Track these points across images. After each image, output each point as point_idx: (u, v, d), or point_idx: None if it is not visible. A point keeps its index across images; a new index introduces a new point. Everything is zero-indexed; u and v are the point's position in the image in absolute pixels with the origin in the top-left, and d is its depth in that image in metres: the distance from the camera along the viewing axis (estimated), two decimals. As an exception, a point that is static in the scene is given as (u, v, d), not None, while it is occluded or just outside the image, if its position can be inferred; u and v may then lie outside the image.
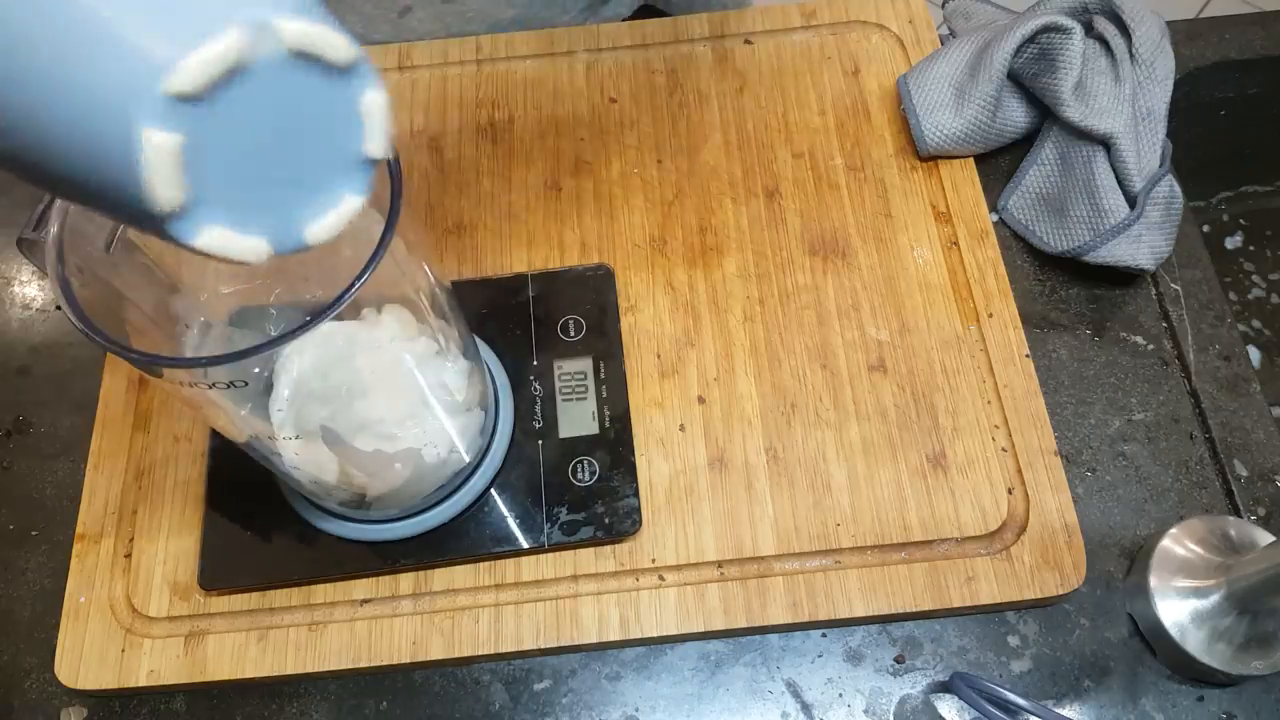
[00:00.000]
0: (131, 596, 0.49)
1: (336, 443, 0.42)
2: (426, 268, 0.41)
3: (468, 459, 0.49)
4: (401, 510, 0.48)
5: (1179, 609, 0.46)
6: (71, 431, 0.54)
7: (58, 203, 0.34)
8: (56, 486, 0.53)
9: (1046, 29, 0.55)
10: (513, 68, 0.63)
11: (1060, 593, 0.47)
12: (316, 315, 0.32)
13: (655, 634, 0.47)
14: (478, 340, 0.53)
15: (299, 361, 0.41)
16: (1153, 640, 0.47)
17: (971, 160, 0.59)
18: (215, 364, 0.34)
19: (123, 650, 0.47)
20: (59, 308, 0.59)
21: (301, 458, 0.43)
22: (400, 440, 0.44)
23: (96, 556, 0.50)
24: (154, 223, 0.24)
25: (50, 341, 0.58)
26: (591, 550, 0.49)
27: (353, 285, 0.33)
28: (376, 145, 0.28)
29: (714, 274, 0.56)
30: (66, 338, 0.58)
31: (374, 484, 0.46)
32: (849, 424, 0.51)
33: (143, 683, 0.47)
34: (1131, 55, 0.55)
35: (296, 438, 0.41)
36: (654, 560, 0.48)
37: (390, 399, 0.43)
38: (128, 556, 0.50)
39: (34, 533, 0.52)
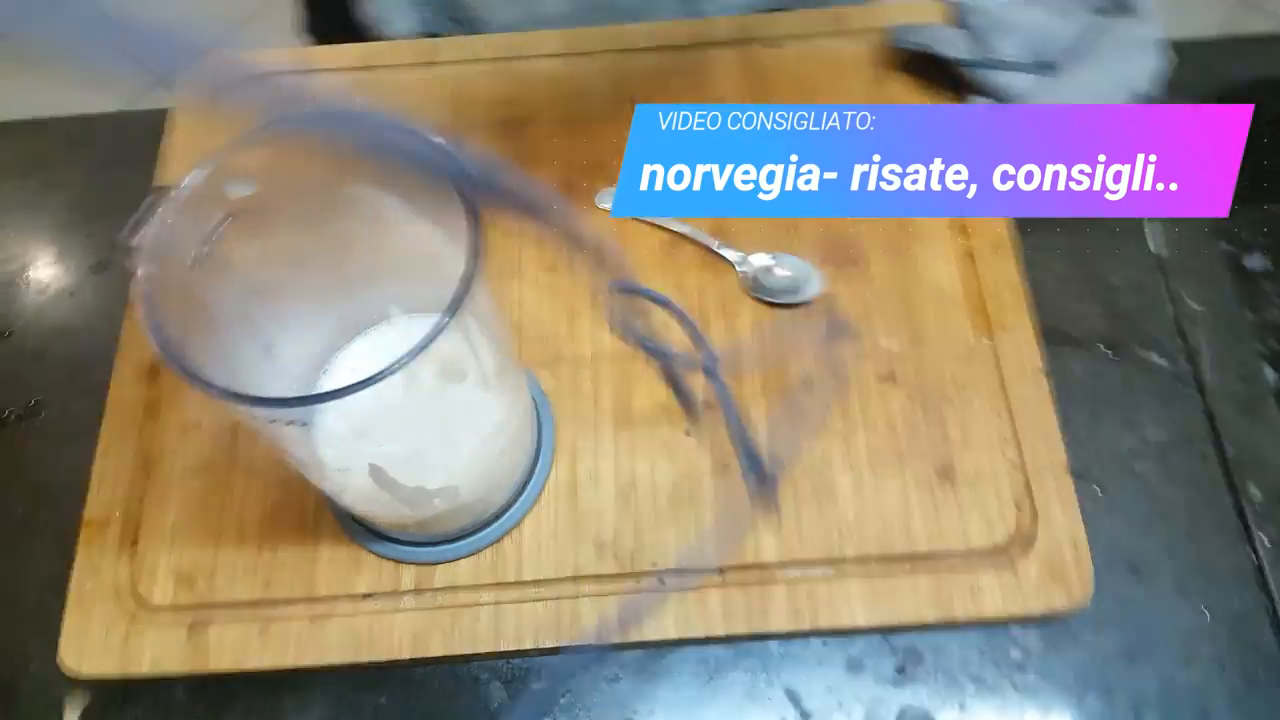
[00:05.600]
0: (137, 584, 0.49)
1: (382, 479, 0.42)
2: (483, 288, 0.38)
3: (507, 496, 0.49)
4: (441, 536, 0.49)
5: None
6: (83, 416, 0.54)
7: (154, 214, 0.35)
8: (66, 471, 0.53)
9: None
10: (536, 66, 0.63)
11: (1066, 608, 0.46)
12: (388, 369, 0.32)
13: (655, 637, 0.47)
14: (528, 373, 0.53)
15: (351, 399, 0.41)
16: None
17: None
18: (284, 406, 0.33)
19: (126, 637, 0.48)
20: (72, 295, 0.60)
21: (347, 487, 0.43)
22: (439, 476, 0.44)
23: (103, 543, 0.50)
24: None
25: (67, 326, 0.58)
26: (593, 551, 0.48)
27: (424, 343, 0.33)
28: None
29: (724, 279, 0.55)
30: (83, 322, 0.59)
31: (414, 515, 0.46)
32: (856, 433, 0.51)
33: (145, 670, 0.47)
34: None
35: (345, 470, 0.41)
36: (655, 564, 0.48)
37: (431, 433, 0.43)
38: (134, 544, 0.50)
39: (42, 517, 0.52)
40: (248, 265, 0.40)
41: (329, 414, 0.41)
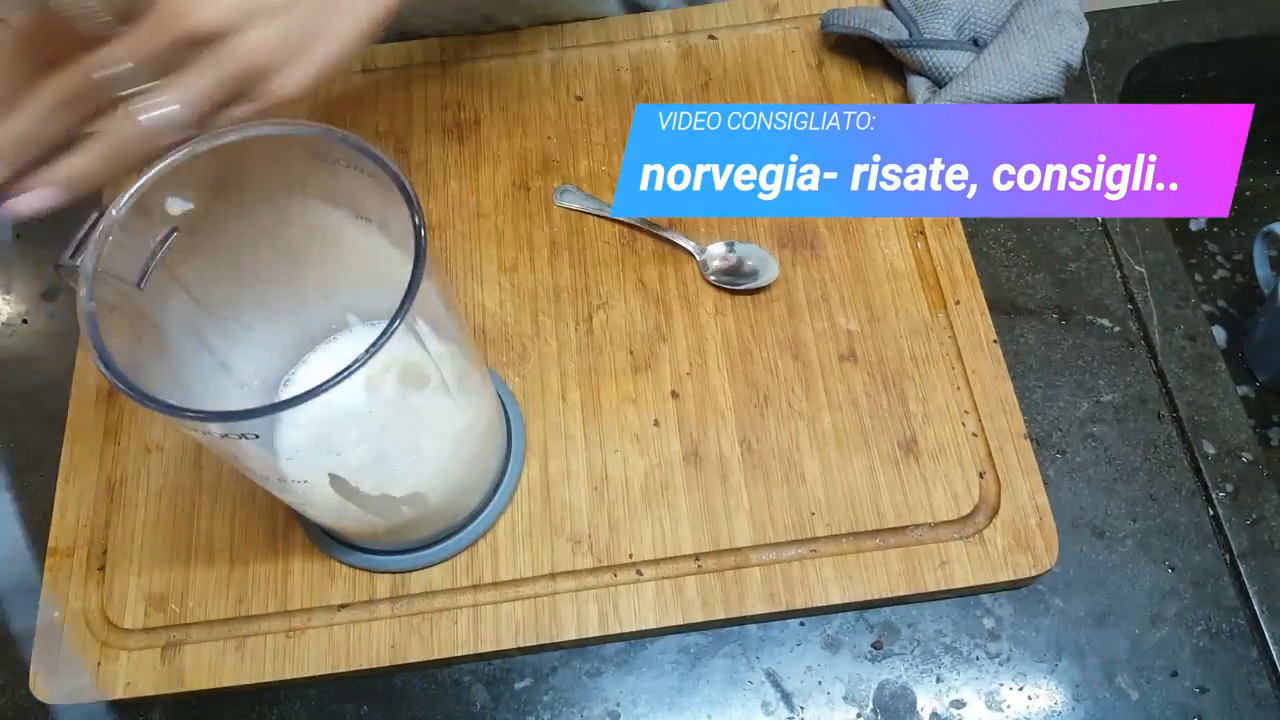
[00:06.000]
0: (106, 609, 0.48)
1: (344, 489, 0.41)
2: (436, 292, 0.38)
3: (479, 499, 0.49)
4: (414, 543, 0.48)
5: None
6: (43, 445, 0.53)
7: (95, 234, 0.34)
8: (28, 501, 0.52)
9: None
10: (478, 68, 0.63)
11: (1033, 574, 0.47)
12: (339, 375, 0.32)
13: (634, 629, 0.47)
14: (493, 374, 0.53)
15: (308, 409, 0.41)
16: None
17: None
18: (227, 420, 0.33)
19: (98, 663, 0.47)
20: (24, 321, 0.59)
21: (310, 500, 0.42)
22: (406, 483, 0.43)
23: (69, 570, 0.49)
24: None
25: (18, 356, 0.57)
26: (569, 547, 0.49)
27: (374, 347, 0.32)
28: None
29: (684, 269, 0.56)
30: (36, 351, 0.58)
31: (383, 524, 0.46)
32: (821, 414, 0.51)
33: (120, 695, 0.46)
34: None
35: (305, 481, 0.41)
36: (631, 555, 0.48)
37: (395, 441, 0.43)
38: (101, 569, 0.49)
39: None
40: (196, 282, 0.40)
41: (288, 426, 0.41)
